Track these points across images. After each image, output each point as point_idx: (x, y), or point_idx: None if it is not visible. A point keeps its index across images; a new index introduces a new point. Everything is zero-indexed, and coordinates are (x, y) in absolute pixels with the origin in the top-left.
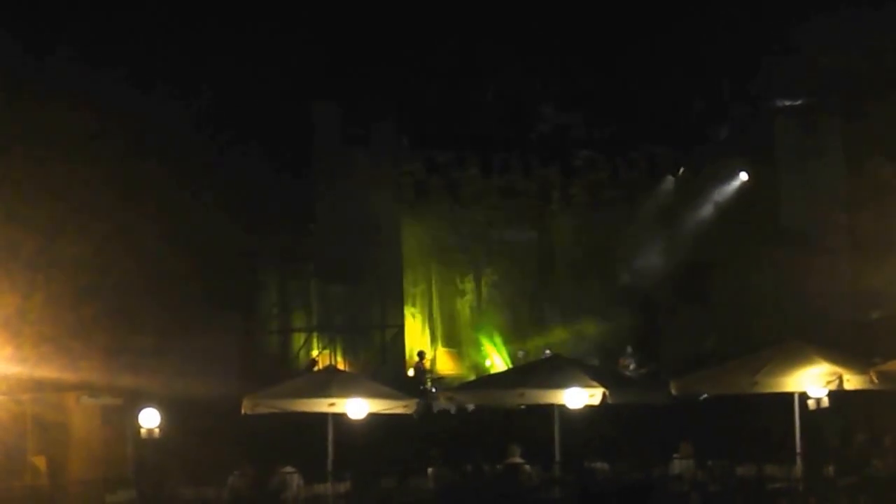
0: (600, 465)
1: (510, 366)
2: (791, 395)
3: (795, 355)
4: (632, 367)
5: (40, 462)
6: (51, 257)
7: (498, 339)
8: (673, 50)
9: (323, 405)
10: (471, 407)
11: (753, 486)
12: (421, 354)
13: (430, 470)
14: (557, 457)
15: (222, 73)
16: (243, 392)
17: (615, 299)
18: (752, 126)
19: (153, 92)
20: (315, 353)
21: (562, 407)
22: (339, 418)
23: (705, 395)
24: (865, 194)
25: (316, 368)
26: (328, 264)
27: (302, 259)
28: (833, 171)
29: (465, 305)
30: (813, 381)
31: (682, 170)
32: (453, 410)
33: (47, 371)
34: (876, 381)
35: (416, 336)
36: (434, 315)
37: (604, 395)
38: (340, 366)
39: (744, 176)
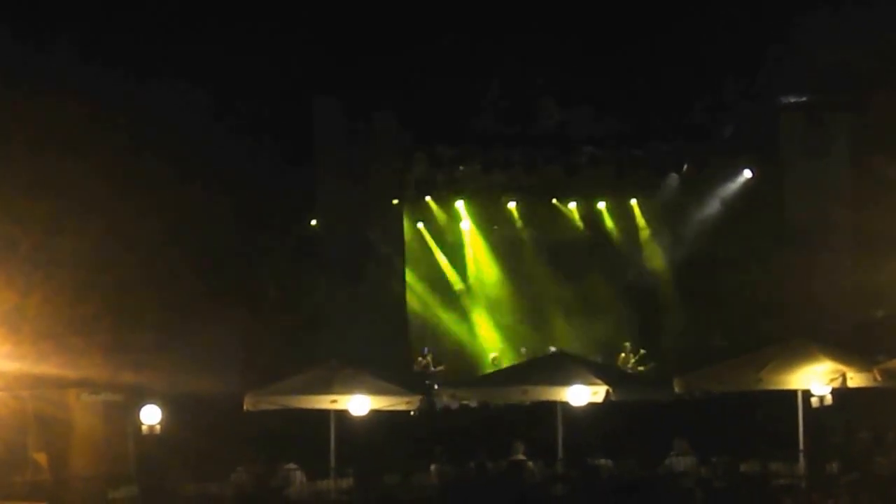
0: (604, 462)
1: (513, 362)
2: (795, 392)
3: (799, 353)
4: (630, 363)
5: (42, 458)
6: (50, 253)
7: (501, 336)
8: (677, 46)
9: (325, 402)
10: (474, 404)
11: (757, 483)
12: (424, 351)
13: (432, 466)
14: (560, 454)
15: (223, 67)
16: (245, 388)
17: (619, 296)
18: (757, 123)
19: (153, 86)
20: None
21: (565, 404)
22: (342, 414)
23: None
24: (871, 192)
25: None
26: (330, 259)
27: (304, 254)
28: (838, 168)
29: (468, 301)
30: (817, 378)
31: (686, 167)
32: (456, 407)
33: (48, 367)
34: (879, 378)
35: (420, 332)
36: (437, 310)
37: (607, 392)
38: None
39: (748, 173)
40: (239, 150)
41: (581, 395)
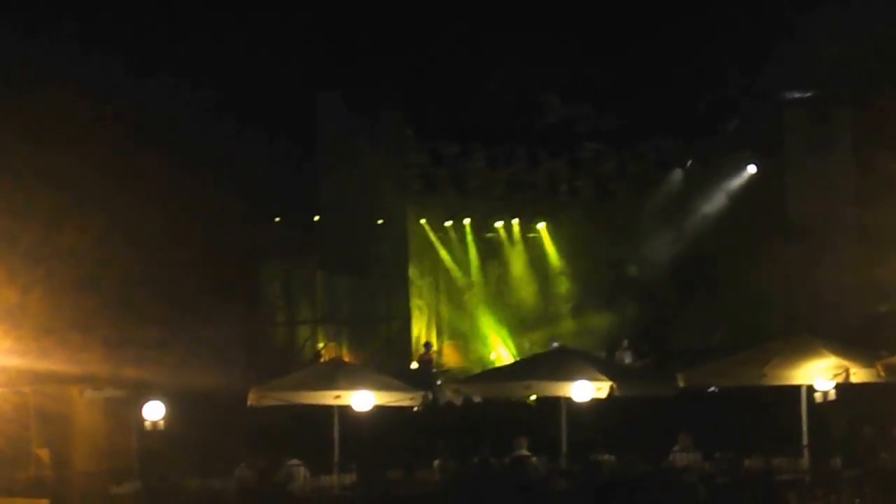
0: (607, 458)
1: (516, 358)
2: (798, 387)
3: (803, 348)
4: (627, 360)
5: (44, 454)
6: (52, 248)
7: (504, 332)
8: (681, 41)
9: (329, 397)
10: (477, 399)
11: (761, 478)
12: (427, 346)
13: (436, 462)
14: (564, 449)
15: (226, 62)
16: (248, 384)
17: (622, 291)
18: (761, 119)
19: (156, 81)
20: (321, 345)
21: (569, 399)
22: (345, 410)
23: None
24: (874, 187)
25: (321, 360)
26: (333, 256)
27: (307, 251)
28: (842, 164)
29: (471, 297)
30: (820, 373)
31: (689, 162)
32: (459, 403)
33: (50, 363)
34: (883, 373)
35: (422, 328)
36: (440, 307)
37: (611, 388)
38: (346, 358)
39: (752, 168)
40: (242, 145)
41: (585, 390)
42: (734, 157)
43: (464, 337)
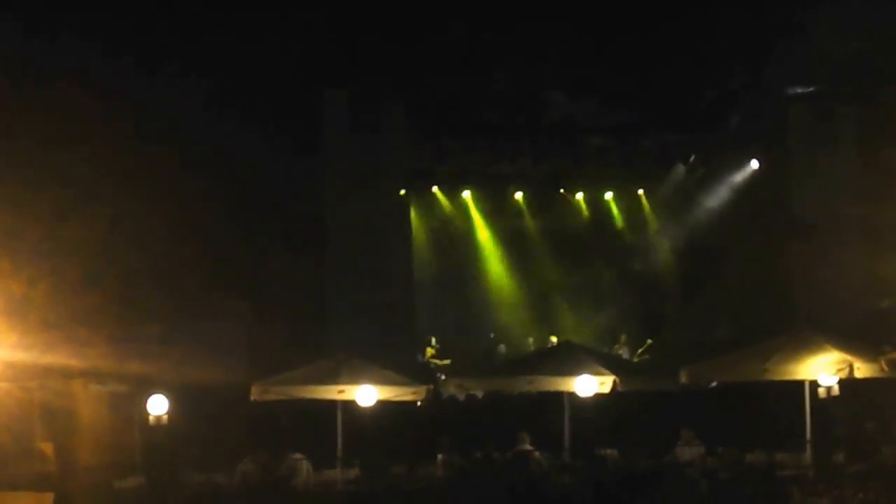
0: (610, 453)
1: (519, 353)
2: (801, 382)
3: (806, 343)
4: (625, 356)
5: (48, 448)
6: (56, 244)
7: (507, 326)
8: (684, 36)
9: (332, 392)
10: (480, 394)
11: (763, 473)
12: (431, 341)
13: (439, 457)
14: (567, 444)
15: (230, 58)
16: (252, 378)
17: (625, 286)
18: (765, 114)
19: (159, 78)
20: None
21: (572, 394)
22: (349, 405)
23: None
24: (878, 183)
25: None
26: (337, 251)
27: (311, 246)
28: (846, 159)
29: (474, 292)
30: (823, 368)
31: (693, 157)
32: (462, 397)
33: (54, 358)
34: (886, 369)
35: (426, 322)
36: (444, 301)
37: (614, 382)
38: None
39: (755, 164)
40: (246, 141)
41: (588, 385)
42: (737, 152)
43: (467, 331)
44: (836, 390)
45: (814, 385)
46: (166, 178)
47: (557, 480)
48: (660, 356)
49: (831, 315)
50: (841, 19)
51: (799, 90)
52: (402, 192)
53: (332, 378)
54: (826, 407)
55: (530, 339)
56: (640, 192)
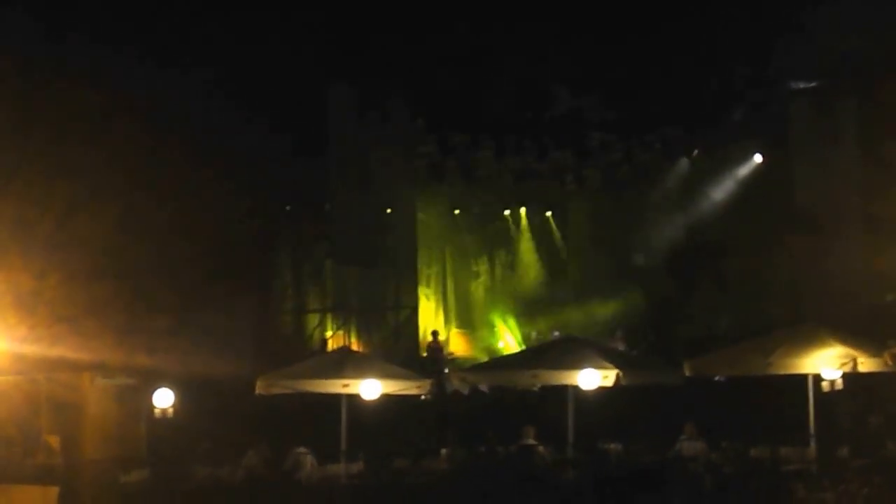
0: (613, 447)
1: (523, 347)
2: (805, 376)
3: (809, 337)
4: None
5: (54, 441)
6: (66, 237)
7: (511, 321)
8: (688, 32)
9: (337, 386)
10: (484, 388)
11: (767, 468)
12: (435, 334)
13: (443, 451)
14: (571, 438)
15: (238, 55)
16: (257, 372)
17: (629, 280)
18: (767, 108)
19: (168, 75)
20: (329, 333)
21: (576, 388)
22: (353, 398)
23: (719, 377)
24: (880, 177)
25: (328, 349)
26: (343, 245)
27: (316, 240)
28: (847, 153)
29: (478, 287)
30: (827, 362)
31: (696, 152)
32: (466, 391)
33: (62, 351)
34: (890, 363)
35: (430, 317)
36: (448, 296)
37: (617, 376)
38: (354, 346)
39: (758, 158)
40: (252, 136)
41: (592, 379)
42: (740, 147)
43: (471, 325)
44: (839, 384)
45: (818, 379)
46: (175, 172)
47: (561, 474)
48: (663, 350)
49: (835, 309)
50: (842, 14)
51: (801, 85)
52: (407, 186)
53: (337, 372)
54: (830, 401)
55: (533, 334)
56: (644, 186)
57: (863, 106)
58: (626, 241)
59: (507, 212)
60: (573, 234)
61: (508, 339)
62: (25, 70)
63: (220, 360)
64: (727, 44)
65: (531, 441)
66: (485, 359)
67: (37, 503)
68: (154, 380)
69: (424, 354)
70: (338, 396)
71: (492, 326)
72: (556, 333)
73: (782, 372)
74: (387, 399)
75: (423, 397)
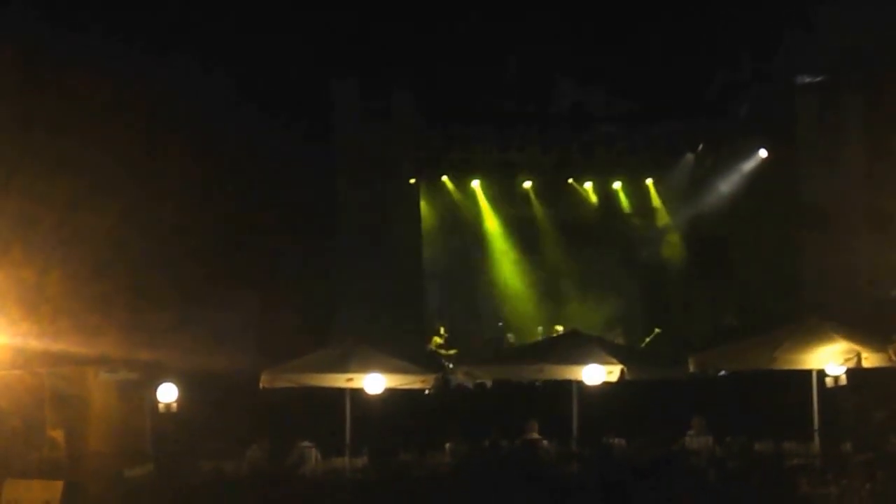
0: (618, 441)
1: (528, 341)
2: (809, 372)
3: (814, 332)
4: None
5: (58, 435)
6: (69, 232)
7: (516, 315)
8: (693, 25)
9: (341, 380)
10: (489, 382)
11: (771, 463)
12: (440, 330)
13: (447, 445)
14: (575, 433)
15: (241, 48)
16: (261, 366)
17: (633, 275)
18: (773, 103)
19: (171, 69)
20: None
21: (580, 383)
22: (357, 393)
23: (723, 372)
24: (886, 172)
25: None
26: (347, 239)
27: (320, 234)
28: (854, 148)
29: (483, 280)
30: (831, 358)
31: (701, 146)
32: (471, 386)
33: (65, 345)
34: (894, 358)
35: (436, 310)
36: (454, 289)
37: (622, 371)
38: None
39: (764, 153)
40: (256, 129)
41: (596, 374)
42: (745, 141)
43: (476, 319)
44: (843, 380)
45: (822, 374)
46: (177, 167)
47: (565, 469)
48: (668, 345)
49: (840, 304)
50: (849, 9)
51: (807, 80)
52: (412, 180)
53: (341, 366)
54: (834, 396)
55: (539, 328)
56: (649, 181)
57: (869, 101)
58: (631, 235)
59: (511, 205)
60: (578, 228)
61: (513, 333)
62: (28, 64)
63: (225, 355)
64: (733, 38)
65: (535, 435)
66: (489, 353)
67: (41, 497)
68: (158, 375)
69: (429, 349)
70: (342, 390)
71: (497, 320)
72: (559, 328)
73: (787, 367)
74: (391, 393)
75: (427, 391)
